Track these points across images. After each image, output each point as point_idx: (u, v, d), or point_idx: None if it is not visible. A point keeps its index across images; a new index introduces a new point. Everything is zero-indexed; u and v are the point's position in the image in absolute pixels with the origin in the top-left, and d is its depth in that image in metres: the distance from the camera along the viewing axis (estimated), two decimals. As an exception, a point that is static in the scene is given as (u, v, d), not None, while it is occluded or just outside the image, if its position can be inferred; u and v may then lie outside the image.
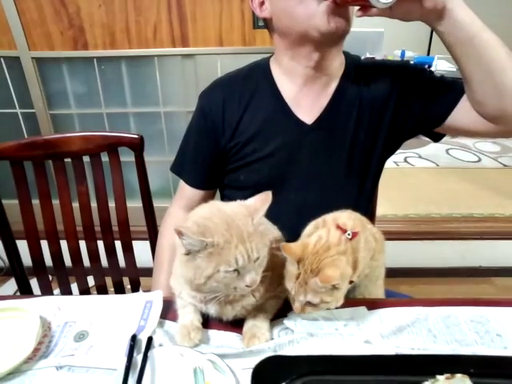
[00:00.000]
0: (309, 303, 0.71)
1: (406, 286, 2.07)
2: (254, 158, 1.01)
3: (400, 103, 0.99)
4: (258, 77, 1.02)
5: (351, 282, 0.75)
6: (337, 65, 0.99)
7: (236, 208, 0.71)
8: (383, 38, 3.87)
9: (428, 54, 5.65)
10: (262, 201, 0.71)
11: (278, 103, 1.00)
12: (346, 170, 1.02)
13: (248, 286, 0.68)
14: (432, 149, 3.60)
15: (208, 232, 0.65)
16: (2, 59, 1.98)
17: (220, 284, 0.67)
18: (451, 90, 0.96)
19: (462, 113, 0.93)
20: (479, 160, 3.44)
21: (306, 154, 1.00)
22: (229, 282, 0.67)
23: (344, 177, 1.02)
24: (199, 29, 1.89)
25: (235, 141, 1.01)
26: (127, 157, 1.22)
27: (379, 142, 1.02)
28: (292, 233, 0.88)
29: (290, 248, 0.73)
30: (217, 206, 0.74)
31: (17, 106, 2.10)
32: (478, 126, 0.93)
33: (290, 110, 0.99)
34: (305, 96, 0.99)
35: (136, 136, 1.18)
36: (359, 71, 1.01)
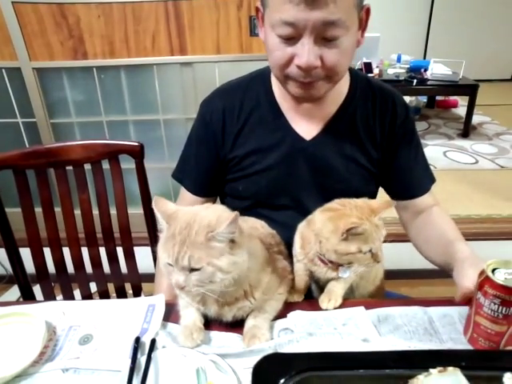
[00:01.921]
0: None
1: (406, 287, 2.07)
2: (253, 170, 1.01)
3: (386, 144, 1.03)
4: (258, 89, 1.02)
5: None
6: (334, 92, 0.96)
7: (211, 216, 0.70)
8: (379, 42, 3.91)
9: (424, 57, 5.70)
10: (225, 218, 0.68)
11: (277, 118, 1.00)
12: (344, 185, 1.01)
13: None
14: (430, 151, 3.63)
15: (170, 220, 0.71)
16: (3, 70, 2.01)
17: (164, 268, 0.71)
18: (414, 186, 1.08)
19: (403, 213, 1.10)
20: (476, 162, 3.47)
21: (304, 169, 1.00)
22: (168, 271, 0.70)
23: (341, 191, 1.02)
24: (197, 37, 1.92)
25: (234, 153, 1.02)
26: (128, 164, 1.24)
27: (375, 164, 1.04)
28: (288, 244, 0.91)
29: None
30: (203, 207, 0.76)
31: (18, 116, 2.13)
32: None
33: (289, 124, 0.99)
34: (300, 114, 0.99)
35: (136, 144, 1.20)
36: (367, 94, 1.01)
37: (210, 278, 0.68)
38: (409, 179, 1.07)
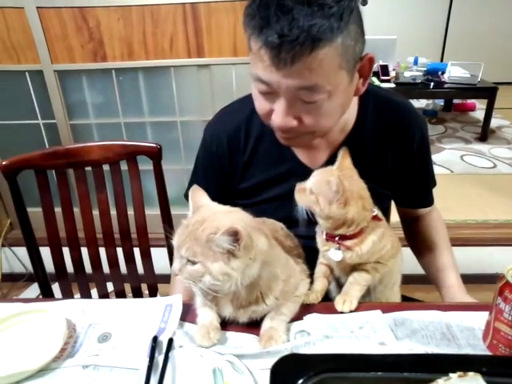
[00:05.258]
0: None
1: (421, 292, 2.04)
2: (260, 199, 1.01)
3: (399, 158, 0.99)
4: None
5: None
6: (340, 121, 0.90)
7: (225, 220, 0.70)
8: (396, 44, 3.89)
9: (441, 60, 5.64)
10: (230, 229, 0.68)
11: (282, 149, 0.96)
12: None
13: None
14: (446, 155, 3.58)
15: (195, 210, 0.76)
16: (26, 73, 2.06)
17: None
18: (422, 198, 1.11)
19: (408, 213, 1.14)
20: (495, 166, 3.41)
21: None
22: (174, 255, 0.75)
23: None
24: (214, 40, 1.93)
25: (242, 185, 1.02)
26: (145, 165, 1.25)
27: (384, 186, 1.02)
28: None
29: None
30: (227, 210, 0.76)
31: (39, 117, 2.17)
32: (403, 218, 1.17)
33: (295, 155, 0.98)
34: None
35: (154, 145, 1.21)
36: (379, 117, 0.96)
37: (199, 277, 0.70)
38: (418, 192, 1.09)
